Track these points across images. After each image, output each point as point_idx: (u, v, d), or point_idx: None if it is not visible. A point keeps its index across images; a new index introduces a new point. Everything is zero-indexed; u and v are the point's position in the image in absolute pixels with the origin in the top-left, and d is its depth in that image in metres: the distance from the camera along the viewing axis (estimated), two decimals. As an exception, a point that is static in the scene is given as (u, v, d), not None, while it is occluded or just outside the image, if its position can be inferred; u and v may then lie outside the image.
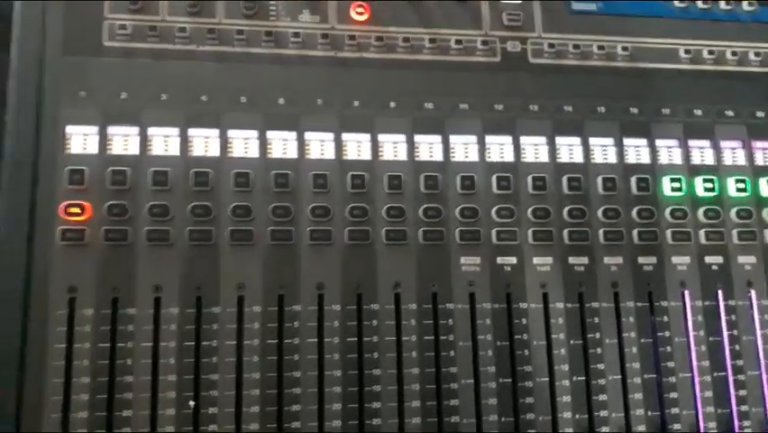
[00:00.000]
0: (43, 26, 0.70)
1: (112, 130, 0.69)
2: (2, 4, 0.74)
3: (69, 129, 0.68)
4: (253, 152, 0.71)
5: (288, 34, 0.74)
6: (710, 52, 0.81)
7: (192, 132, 0.70)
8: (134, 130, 0.69)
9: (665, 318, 0.73)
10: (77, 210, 0.66)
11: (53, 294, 0.64)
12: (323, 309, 0.68)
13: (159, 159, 0.69)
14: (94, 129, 0.69)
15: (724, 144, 0.79)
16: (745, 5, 0.84)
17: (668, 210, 0.75)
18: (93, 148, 0.68)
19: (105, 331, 0.64)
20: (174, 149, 0.70)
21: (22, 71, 0.69)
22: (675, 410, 0.71)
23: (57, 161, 0.67)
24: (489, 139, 0.75)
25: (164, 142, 0.70)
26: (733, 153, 0.79)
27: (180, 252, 0.67)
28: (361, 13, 0.76)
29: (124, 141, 0.69)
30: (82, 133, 0.69)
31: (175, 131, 0.70)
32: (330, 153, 0.72)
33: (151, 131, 0.70)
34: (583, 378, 0.70)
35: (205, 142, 0.70)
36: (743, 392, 0.72)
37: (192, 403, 0.64)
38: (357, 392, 0.66)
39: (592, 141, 0.77)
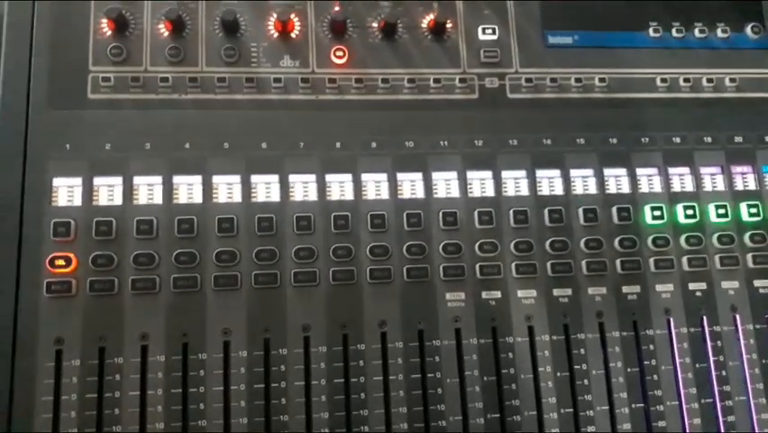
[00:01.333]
0: (29, 80, 0.72)
1: (97, 181, 0.70)
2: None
3: (56, 181, 0.70)
4: (237, 196, 0.72)
5: (270, 80, 0.76)
6: (686, 80, 0.82)
7: (176, 179, 0.72)
8: (119, 180, 0.71)
9: (651, 347, 0.73)
10: (62, 262, 0.67)
11: (40, 346, 0.65)
12: (309, 351, 0.68)
13: (143, 208, 0.70)
14: (79, 181, 0.70)
15: (703, 171, 0.80)
16: (719, 33, 0.85)
17: (650, 239, 0.76)
18: (78, 200, 0.70)
19: (92, 382, 0.65)
20: (158, 197, 0.71)
21: (8, 125, 0.70)
22: (665, 439, 0.71)
23: (43, 213, 0.69)
24: (470, 175, 0.76)
25: (148, 191, 0.71)
26: (712, 179, 0.80)
27: (166, 299, 0.68)
28: (340, 57, 0.77)
29: (109, 191, 0.70)
30: (68, 185, 0.70)
31: (159, 179, 0.71)
32: (313, 195, 0.73)
33: (136, 180, 0.71)
34: (571, 410, 0.71)
35: (188, 190, 0.71)
36: (731, 418, 0.73)
37: None
38: (345, 433, 0.67)
39: (572, 172, 0.78)
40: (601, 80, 0.81)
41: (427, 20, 0.80)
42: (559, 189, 0.77)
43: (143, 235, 0.69)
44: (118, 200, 0.70)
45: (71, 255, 0.68)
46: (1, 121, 0.70)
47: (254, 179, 0.73)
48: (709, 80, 0.83)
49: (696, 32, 0.84)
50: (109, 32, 0.74)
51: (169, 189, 0.71)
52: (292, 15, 0.77)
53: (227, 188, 0.72)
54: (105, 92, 0.73)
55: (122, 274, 0.68)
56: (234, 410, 0.66)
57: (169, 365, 0.66)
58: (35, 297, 0.66)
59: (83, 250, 0.68)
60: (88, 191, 0.70)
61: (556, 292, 0.74)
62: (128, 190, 0.70)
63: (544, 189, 0.77)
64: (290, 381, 0.67)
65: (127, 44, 0.74)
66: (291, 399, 0.67)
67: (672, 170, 0.79)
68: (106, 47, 0.74)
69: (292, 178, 0.73)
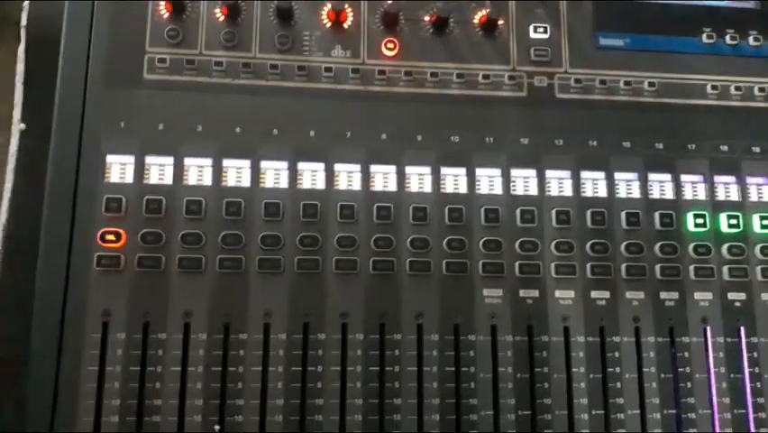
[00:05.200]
0: (87, 59, 0.74)
1: (149, 160, 0.72)
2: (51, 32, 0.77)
3: (109, 158, 0.71)
4: (283, 182, 0.73)
5: (321, 69, 0.77)
6: (737, 89, 0.82)
7: (225, 163, 0.73)
8: (170, 160, 0.72)
9: (686, 354, 0.73)
10: (113, 237, 0.69)
11: (88, 318, 0.67)
12: (346, 338, 0.70)
13: (193, 189, 0.72)
14: (131, 159, 0.72)
15: (750, 180, 0.79)
16: (772, 42, 0.84)
17: (691, 246, 0.76)
18: (130, 177, 0.71)
19: (135, 355, 0.67)
20: (207, 179, 0.72)
21: (67, 102, 0.72)
22: (695, 447, 0.71)
23: (96, 189, 0.70)
24: (514, 172, 0.76)
25: (198, 172, 0.72)
26: (758, 190, 0.79)
27: (211, 279, 0.70)
28: (391, 49, 0.78)
29: (160, 170, 0.72)
30: (120, 162, 0.72)
31: (209, 162, 0.73)
32: (357, 185, 0.74)
33: (187, 161, 0.72)
34: (602, 412, 0.71)
35: (237, 173, 0.73)
36: (764, 431, 0.72)
37: (217, 427, 0.66)
38: (378, 421, 0.68)
39: (617, 176, 0.78)
40: (651, 84, 0.80)
41: (479, 16, 0.80)
42: (603, 192, 0.77)
43: (192, 215, 0.70)
44: (168, 180, 0.72)
45: (121, 231, 0.69)
46: (60, 97, 0.72)
47: (301, 166, 0.74)
48: (761, 89, 0.82)
49: (750, 40, 0.84)
50: (167, 15, 0.76)
51: (218, 172, 0.72)
52: (346, 6, 0.77)
53: (274, 174, 0.73)
54: (160, 73, 0.74)
55: (169, 252, 0.70)
56: (271, 391, 0.67)
57: (210, 344, 0.68)
58: (86, 269, 0.68)
59: (132, 226, 0.70)
60: (140, 169, 0.72)
61: (594, 294, 0.74)
62: (178, 170, 0.72)
63: (588, 191, 0.77)
64: (326, 365, 0.69)
65: (183, 27, 0.76)
66: (327, 383, 0.68)
67: (717, 179, 0.79)
68: (163, 29, 0.75)
69: (337, 167, 0.74)
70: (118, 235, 0.69)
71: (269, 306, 0.69)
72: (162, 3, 0.76)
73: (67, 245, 0.68)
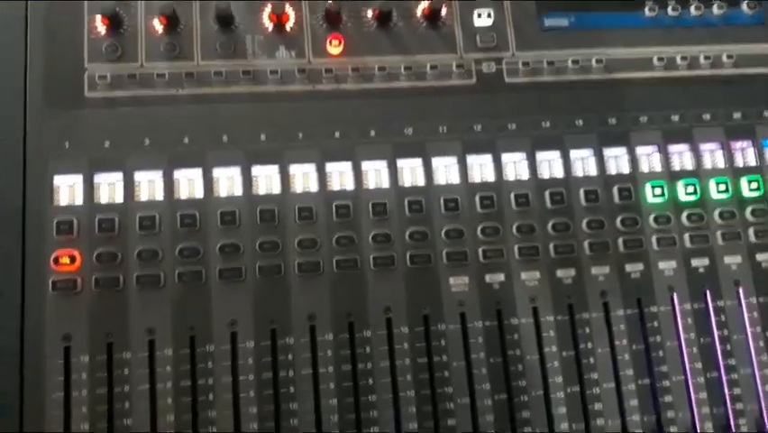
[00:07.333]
0: (25, 81, 0.72)
1: (98, 178, 0.71)
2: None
3: (56, 180, 0.70)
4: (238, 189, 0.72)
5: (266, 71, 0.76)
6: (683, 58, 0.82)
7: (177, 174, 0.72)
8: (119, 177, 0.71)
9: (655, 324, 0.74)
10: (67, 260, 0.67)
11: (48, 344, 0.66)
12: (315, 340, 0.69)
13: (145, 204, 0.70)
14: (79, 178, 0.70)
15: (703, 147, 0.80)
16: (714, 9, 0.85)
17: (651, 217, 0.76)
18: (80, 198, 0.70)
19: (101, 377, 0.66)
20: (159, 193, 0.71)
21: (7, 126, 0.71)
22: (671, 414, 0.72)
23: (45, 212, 0.69)
24: (469, 159, 0.76)
25: (149, 186, 0.71)
26: (712, 156, 0.80)
27: (171, 293, 0.68)
28: (336, 46, 0.77)
29: (110, 188, 0.71)
30: (68, 183, 0.70)
31: (159, 175, 0.71)
32: (314, 185, 0.73)
33: (137, 176, 0.71)
34: (578, 388, 0.71)
35: (189, 184, 0.72)
36: (737, 391, 0.73)
37: None
38: (354, 420, 0.67)
39: (572, 154, 0.78)
40: (598, 61, 0.81)
41: (422, 7, 0.79)
42: (559, 171, 0.77)
43: (146, 231, 0.69)
44: (119, 197, 0.70)
45: (75, 253, 0.68)
46: (-1, 122, 0.70)
47: (255, 171, 0.73)
48: (707, 57, 0.82)
49: (692, 9, 0.84)
50: (104, 30, 0.74)
51: (169, 184, 0.71)
52: (286, 6, 0.77)
53: (228, 181, 0.72)
54: (101, 90, 0.73)
55: (126, 270, 0.68)
56: (243, 400, 0.66)
57: (177, 359, 0.67)
58: (41, 295, 0.67)
59: (87, 247, 0.68)
60: (89, 189, 0.70)
61: (560, 273, 0.74)
62: (129, 187, 0.71)
63: (545, 172, 0.77)
64: (298, 369, 0.68)
65: (122, 41, 0.74)
66: (299, 387, 0.67)
67: (671, 148, 0.79)
68: (101, 44, 0.74)
69: (292, 168, 0.73)
70: (72, 258, 0.68)
71: (234, 315, 0.68)
72: (99, 17, 0.74)
73: (20, 273, 0.67)
